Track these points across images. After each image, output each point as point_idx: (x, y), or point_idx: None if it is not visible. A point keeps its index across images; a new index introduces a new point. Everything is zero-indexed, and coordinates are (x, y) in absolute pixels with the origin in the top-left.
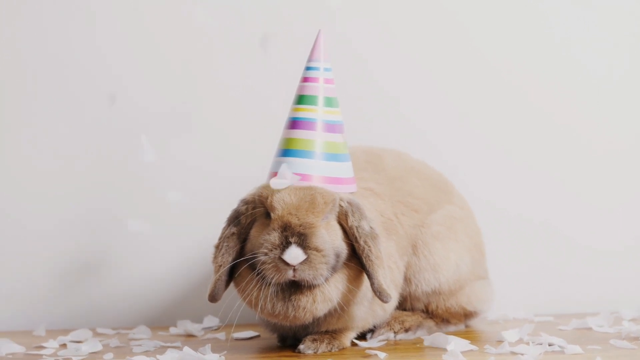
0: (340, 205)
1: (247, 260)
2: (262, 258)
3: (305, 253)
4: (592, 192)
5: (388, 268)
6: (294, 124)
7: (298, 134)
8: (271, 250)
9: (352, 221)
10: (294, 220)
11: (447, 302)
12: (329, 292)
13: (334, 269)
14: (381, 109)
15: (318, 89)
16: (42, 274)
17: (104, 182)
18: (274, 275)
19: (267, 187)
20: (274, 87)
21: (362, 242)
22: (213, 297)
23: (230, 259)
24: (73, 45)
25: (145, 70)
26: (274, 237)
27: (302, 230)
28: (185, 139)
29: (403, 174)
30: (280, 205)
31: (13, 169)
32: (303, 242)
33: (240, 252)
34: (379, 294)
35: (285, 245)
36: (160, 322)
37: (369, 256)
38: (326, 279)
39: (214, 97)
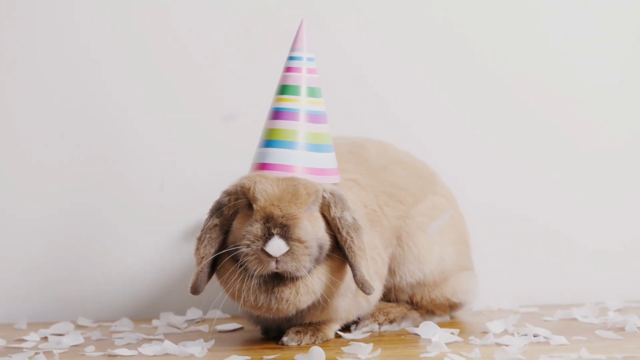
0: (323, 196)
1: (229, 252)
2: (245, 250)
3: (288, 244)
4: (579, 186)
5: (371, 259)
6: (276, 114)
7: (281, 124)
8: (253, 242)
9: (334, 212)
10: (277, 212)
11: (432, 294)
12: (312, 284)
13: (317, 261)
14: (365, 99)
15: (301, 79)
16: (24, 267)
17: (85, 177)
18: (257, 267)
19: (249, 178)
20: (256, 78)
21: (344, 234)
22: (195, 290)
23: (212, 250)
24: (58, 40)
25: (129, 66)
26: (257, 228)
27: (284, 222)
28: (165, 132)
29: (387, 165)
30: (263, 197)
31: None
32: (285, 233)
33: (223, 244)
34: (362, 286)
35: (267, 236)
36: (142, 314)
37: (351, 247)
38: (309, 271)
39: (195, 90)
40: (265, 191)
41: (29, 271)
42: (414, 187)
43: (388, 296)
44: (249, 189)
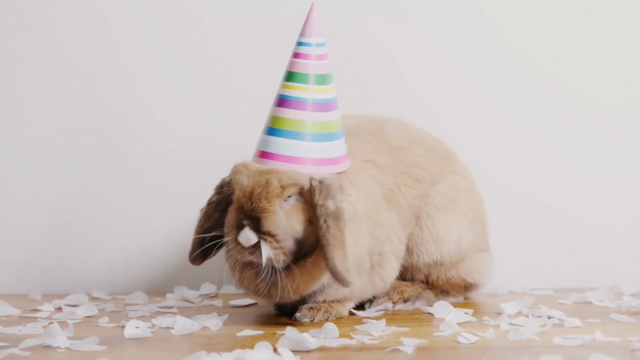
0: (311, 185)
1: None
2: (227, 237)
3: (258, 237)
4: (595, 168)
5: (387, 239)
6: (282, 101)
7: (287, 113)
8: (230, 231)
9: (316, 200)
10: (247, 204)
11: (448, 274)
12: (311, 271)
13: (296, 253)
14: (385, 76)
15: (309, 67)
16: (39, 239)
17: (103, 149)
18: (237, 255)
19: (236, 166)
20: (272, 55)
21: (321, 222)
22: (191, 258)
23: (206, 226)
24: (70, 13)
25: (138, 41)
26: (232, 218)
27: (254, 214)
28: (180, 110)
29: (406, 145)
30: (238, 187)
31: (10, 137)
32: (256, 225)
33: (222, 222)
34: (334, 276)
35: (240, 227)
36: (157, 288)
37: (324, 235)
38: (311, 259)
39: (209, 67)
40: (241, 183)
41: (44, 243)
42: (432, 167)
43: (404, 275)
44: (230, 179)
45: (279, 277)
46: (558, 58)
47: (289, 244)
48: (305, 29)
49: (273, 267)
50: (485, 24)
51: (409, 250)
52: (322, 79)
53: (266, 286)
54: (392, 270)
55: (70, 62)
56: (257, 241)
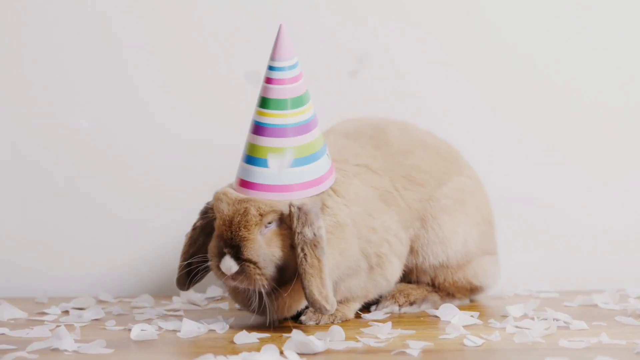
0: (290, 211)
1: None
2: (209, 264)
3: (239, 264)
4: (595, 168)
5: (385, 241)
6: (260, 129)
7: (266, 141)
8: (213, 258)
9: (294, 227)
10: (227, 233)
11: (454, 276)
12: (301, 290)
13: (280, 277)
14: (382, 76)
15: (285, 92)
16: (45, 242)
17: (104, 150)
18: (222, 281)
19: (217, 193)
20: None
21: (299, 250)
22: (178, 284)
23: (191, 251)
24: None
25: (138, 41)
26: (213, 245)
27: (234, 243)
28: (180, 110)
29: (408, 148)
30: (219, 215)
31: (13, 137)
32: (237, 253)
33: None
34: (312, 305)
35: (221, 255)
36: (163, 291)
37: (302, 265)
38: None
39: (209, 67)
40: (221, 211)
41: (51, 247)
42: (437, 169)
43: (410, 277)
44: (212, 206)
45: (270, 298)
46: (558, 58)
47: (270, 270)
48: (275, 53)
49: (259, 292)
50: (485, 24)
51: (414, 252)
52: (299, 101)
53: (260, 307)
54: (394, 269)
55: (70, 62)
56: (238, 269)
